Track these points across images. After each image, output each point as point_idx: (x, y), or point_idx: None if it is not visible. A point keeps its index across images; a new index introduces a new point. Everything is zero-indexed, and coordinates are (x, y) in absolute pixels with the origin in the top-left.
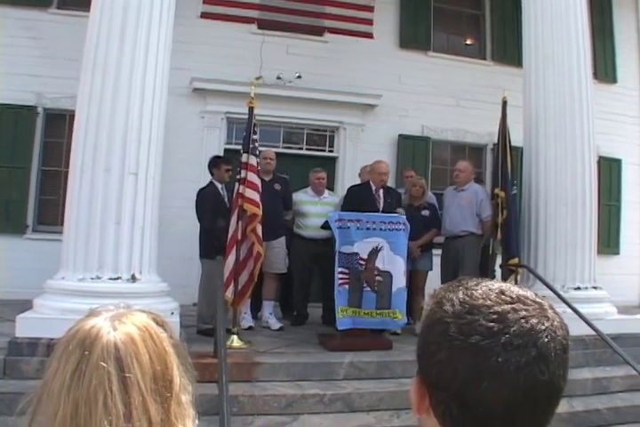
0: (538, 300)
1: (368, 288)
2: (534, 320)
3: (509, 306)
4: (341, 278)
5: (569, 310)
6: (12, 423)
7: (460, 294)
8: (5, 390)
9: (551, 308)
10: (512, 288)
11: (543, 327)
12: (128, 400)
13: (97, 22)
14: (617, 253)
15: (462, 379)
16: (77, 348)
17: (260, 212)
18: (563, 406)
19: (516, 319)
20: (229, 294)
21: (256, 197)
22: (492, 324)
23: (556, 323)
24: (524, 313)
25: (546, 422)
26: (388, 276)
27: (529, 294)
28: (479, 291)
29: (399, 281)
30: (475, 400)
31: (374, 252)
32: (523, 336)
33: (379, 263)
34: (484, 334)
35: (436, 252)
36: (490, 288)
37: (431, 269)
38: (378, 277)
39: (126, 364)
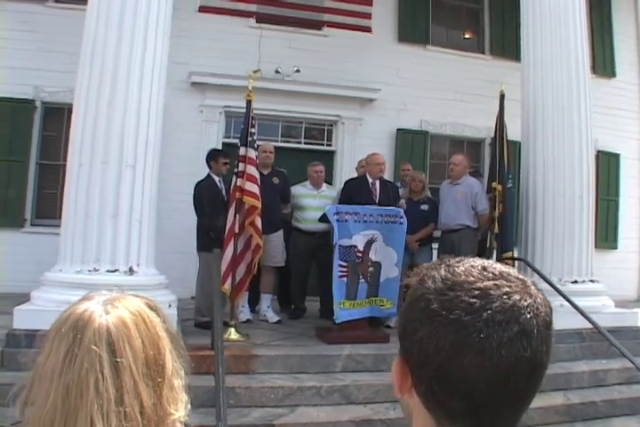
0: (520, 277)
1: (363, 280)
2: (517, 296)
3: (492, 282)
4: (340, 271)
5: (566, 304)
6: (9, 414)
7: (442, 271)
8: (3, 382)
9: (533, 284)
10: (494, 265)
11: (526, 304)
12: (120, 384)
13: (95, 15)
14: (615, 247)
15: (444, 355)
16: (69, 331)
17: (259, 204)
18: (559, 399)
19: (498, 295)
20: (227, 286)
21: (256, 189)
22: (474, 300)
23: (538, 300)
24: (506, 289)
25: (529, 398)
26: (378, 266)
27: (511, 271)
28: (461, 268)
29: (389, 271)
30: (457, 377)
31: (369, 243)
32: (505, 312)
33: (372, 254)
34: (466, 309)
35: (436, 246)
36: (472, 265)
37: None
38: (370, 268)
39: (118, 348)
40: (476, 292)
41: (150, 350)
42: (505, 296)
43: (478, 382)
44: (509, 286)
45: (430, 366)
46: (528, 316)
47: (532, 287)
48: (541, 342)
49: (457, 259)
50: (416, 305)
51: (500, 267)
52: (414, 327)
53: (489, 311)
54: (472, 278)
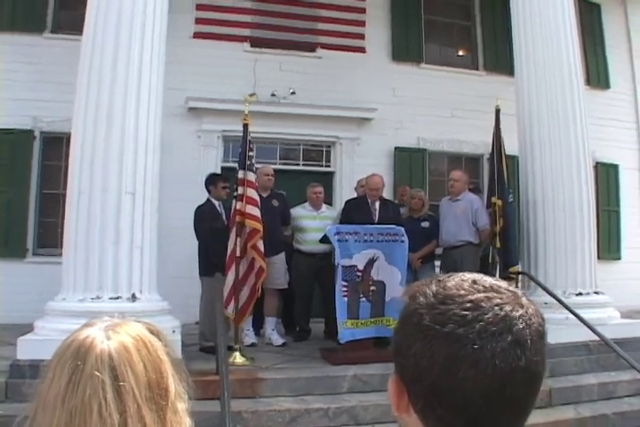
0: (511, 289)
1: (364, 298)
2: (508, 307)
3: (483, 294)
4: (343, 291)
5: (572, 316)
6: None
7: (433, 287)
8: (7, 413)
9: (525, 296)
10: (484, 278)
11: (517, 314)
12: (123, 409)
13: (90, 45)
14: (618, 258)
15: (439, 369)
16: (72, 358)
17: (260, 227)
18: (569, 413)
19: (490, 307)
20: (230, 311)
21: (257, 212)
22: (466, 312)
23: (530, 310)
24: (497, 301)
25: (527, 409)
26: (381, 285)
27: (502, 283)
28: (452, 282)
29: (393, 291)
30: (452, 390)
31: (370, 263)
32: (497, 323)
33: (373, 274)
34: (458, 322)
35: (438, 263)
36: (462, 279)
37: None
38: (372, 287)
39: (120, 372)
40: (468, 304)
41: (153, 374)
42: (497, 307)
43: (473, 393)
44: (500, 298)
45: (425, 381)
46: (520, 326)
47: (524, 299)
48: (535, 352)
49: (448, 275)
50: (409, 321)
51: (490, 280)
52: (408, 343)
53: (481, 323)
54: (463, 292)
